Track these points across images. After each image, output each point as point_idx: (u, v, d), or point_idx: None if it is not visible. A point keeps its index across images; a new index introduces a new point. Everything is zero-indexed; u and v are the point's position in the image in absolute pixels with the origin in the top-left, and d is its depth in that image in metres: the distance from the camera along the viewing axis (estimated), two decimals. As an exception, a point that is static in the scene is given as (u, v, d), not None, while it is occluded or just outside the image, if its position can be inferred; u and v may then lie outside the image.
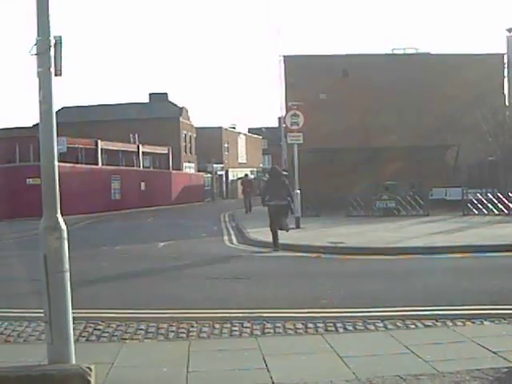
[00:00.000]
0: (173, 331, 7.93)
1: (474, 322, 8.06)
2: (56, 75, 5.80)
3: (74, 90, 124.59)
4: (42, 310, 5.79)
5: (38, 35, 5.75)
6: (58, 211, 5.80)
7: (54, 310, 5.67)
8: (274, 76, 60.22)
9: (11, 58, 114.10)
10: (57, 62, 5.78)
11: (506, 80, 38.83)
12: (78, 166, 43.06)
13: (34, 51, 5.75)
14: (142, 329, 8.00)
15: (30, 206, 23.59)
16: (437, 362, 6.27)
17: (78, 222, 29.69)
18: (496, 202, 26.66)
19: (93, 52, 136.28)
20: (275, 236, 17.26)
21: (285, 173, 22.29)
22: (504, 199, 26.54)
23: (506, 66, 38.86)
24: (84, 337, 7.75)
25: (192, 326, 8.09)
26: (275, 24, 38.76)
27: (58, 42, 5.78)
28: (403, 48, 41.87)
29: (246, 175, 44.41)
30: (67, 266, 5.79)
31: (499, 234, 18.76)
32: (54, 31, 5.78)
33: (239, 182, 52.94)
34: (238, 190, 52.98)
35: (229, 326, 8.13)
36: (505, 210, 26.26)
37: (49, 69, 5.75)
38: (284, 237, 17.49)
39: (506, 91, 38.74)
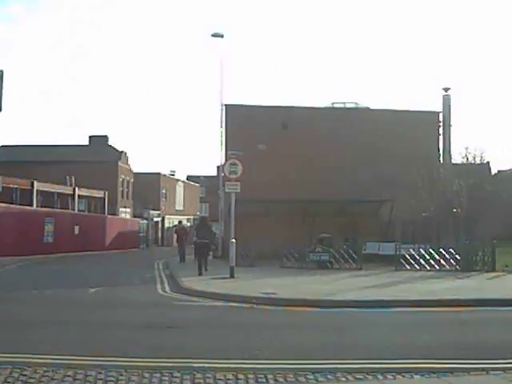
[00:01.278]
0: (101, 379, 7.75)
1: (404, 376, 8.12)
2: (-6, 111, 5.74)
3: (12, 128, 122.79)
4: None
5: (-22, 70, 5.69)
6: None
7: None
8: (215, 124, 60.62)
9: None
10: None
11: (440, 138, 39.91)
12: (12, 206, 42.21)
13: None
14: (69, 375, 7.80)
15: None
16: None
17: (9, 264, 28.97)
18: (428, 257, 27.11)
19: (33, 91, 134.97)
20: (200, 266, 24.05)
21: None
22: (436, 255, 27.02)
23: (440, 124, 39.99)
24: (9, 382, 7.48)
25: (121, 375, 7.93)
26: (219, 72, 39.55)
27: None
28: (343, 102, 42.66)
29: (180, 222, 43.78)
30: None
31: (430, 290, 19.05)
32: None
33: (174, 229, 52.41)
34: (174, 237, 52.55)
35: (158, 375, 8.00)
36: (436, 266, 26.71)
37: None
38: (217, 286, 17.39)
39: (440, 149, 39.75)
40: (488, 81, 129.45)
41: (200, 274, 23.59)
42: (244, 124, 36.50)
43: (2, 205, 38.03)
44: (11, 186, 45.79)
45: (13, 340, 8.94)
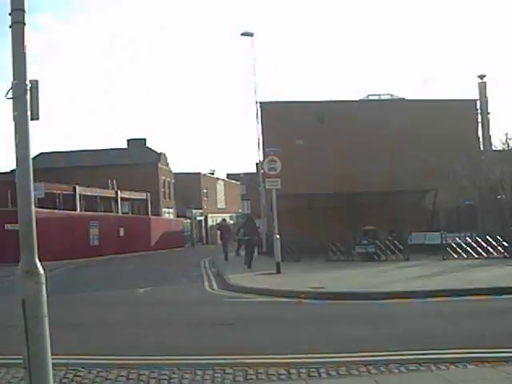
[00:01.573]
0: (154, 377, 7.82)
1: (457, 366, 8.03)
2: (32, 119, 5.79)
3: (52, 135, 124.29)
4: (21, 356, 5.67)
5: (14, 79, 5.74)
6: (36, 256, 5.73)
7: (32, 356, 5.56)
8: (252, 122, 60.77)
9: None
10: (33, 106, 5.77)
11: (479, 125, 39.40)
12: (56, 211, 42.76)
13: (10, 95, 5.73)
14: (122, 375, 7.89)
15: (8, 252, 23.33)
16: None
17: (57, 268, 29.35)
18: (475, 245, 26.79)
19: (71, 97, 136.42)
20: (250, 260, 25.55)
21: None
22: (482, 242, 26.68)
23: (478, 111, 39.47)
24: (64, 383, 7.60)
25: (173, 373, 7.98)
26: (252, 69, 39.73)
27: (34, 86, 5.78)
28: (378, 94, 42.38)
29: (224, 220, 43.35)
30: (46, 310, 5.69)
31: (480, 278, 18.81)
32: (30, 75, 5.78)
33: (217, 227, 52.28)
34: (217, 234, 52.71)
35: (211, 372, 8.03)
36: (483, 254, 26.37)
37: (25, 113, 5.74)
38: (265, 282, 17.38)
39: (480, 136, 39.24)
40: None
41: (249, 268, 24.79)
42: (280, 120, 36.38)
43: (46, 210, 38.52)
44: (54, 191, 46.42)
45: (65, 342, 9.04)
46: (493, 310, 13.40)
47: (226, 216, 61.26)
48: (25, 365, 5.61)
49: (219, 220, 46.13)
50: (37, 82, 5.80)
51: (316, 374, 7.87)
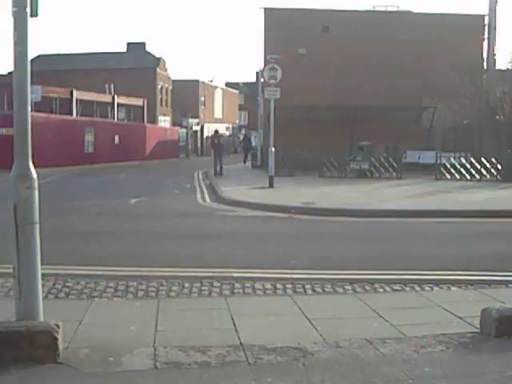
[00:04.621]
0: (142, 290, 7.91)
1: (441, 288, 8.14)
2: (32, 16, 5.68)
3: (50, 38, 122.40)
4: (11, 265, 5.71)
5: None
6: (30, 160, 5.68)
7: (22, 264, 5.58)
8: (255, 29, 60.02)
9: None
10: (33, 1, 5.66)
11: (485, 42, 38.68)
12: (52, 116, 42.45)
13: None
14: (111, 287, 7.98)
15: (1, 158, 23.27)
16: (404, 326, 6.34)
17: (50, 176, 29.34)
18: (469, 166, 26.84)
19: None
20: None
21: None
22: (477, 164, 26.71)
23: (486, 27, 38.68)
24: (53, 294, 7.68)
25: (161, 285, 8.08)
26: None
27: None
28: (385, 5, 41.53)
29: (216, 131, 37.49)
30: (37, 217, 5.68)
31: (471, 200, 18.95)
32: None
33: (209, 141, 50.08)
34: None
35: (198, 285, 8.14)
36: (477, 176, 26.45)
37: (24, 8, 5.63)
38: (256, 196, 17.48)
39: (484, 54, 38.63)
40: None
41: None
42: (283, 28, 35.75)
43: (42, 114, 38.21)
44: (51, 95, 45.90)
45: (55, 252, 9.11)
46: (480, 233, 13.51)
47: (223, 126, 60.80)
48: (14, 273, 5.65)
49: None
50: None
51: (302, 290, 7.98)
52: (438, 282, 8.32)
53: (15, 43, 5.66)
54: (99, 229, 13.55)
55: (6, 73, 49.19)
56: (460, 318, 6.61)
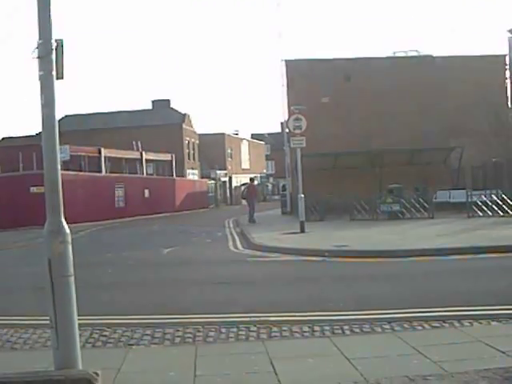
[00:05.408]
0: (179, 336, 7.89)
1: (481, 323, 8.02)
2: (58, 78, 5.80)
3: (76, 98, 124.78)
4: (47, 317, 5.74)
5: (40, 38, 5.75)
6: (62, 216, 5.77)
7: (59, 315, 5.64)
8: (277, 81, 60.34)
9: (13, 63, 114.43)
10: (58, 65, 5.78)
11: (508, 81, 38.69)
12: (82, 173, 43.03)
13: (36, 55, 5.74)
14: (148, 334, 7.97)
15: (34, 215, 23.57)
16: (445, 362, 6.22)
17: (82, 230, 29.63)
18: (501, 203, 26.57)
19: (95, 59, 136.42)
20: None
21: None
22: (508, 200, 26.45)
23: (507, 67, 38.73)
24: (90, 343, 7.71)
25: (198, 331, 8.06)
26: (276, 28, 39.24)
27: (60, 45, 5.77)
28: (404, 51, 41.78)
29: (252, 180, 36.72)
30: (72, 270, 5.75)
31: (506, 235, 18.69)
32: (56, 34, 5.78)
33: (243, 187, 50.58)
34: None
35: (235, 330, 8.10)
36: (510, 212, 26.15)
37: (50, 72, 5.74)
38: (289, 241, 17.42)
39: (508, 92, 38.60)
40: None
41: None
42: (305, 78, 36.03)
43: (72, 173, 38.74)
44: (79, 154, 46.63)
45: (91, 302, 9.14)
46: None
47: (251, 176, 61.06)
48: (52, 324, 5.68)
49: (244, 180, 44.77)
50: (62, 41, 5.80)
51: (340, 332, 7.91)
52: (477, 318, 8.19)
53: (42, 106, 5.79)
54: (134, 279, 13.61)
55: (34, 134, 50.01)
56: (503, 352, 6.47)
